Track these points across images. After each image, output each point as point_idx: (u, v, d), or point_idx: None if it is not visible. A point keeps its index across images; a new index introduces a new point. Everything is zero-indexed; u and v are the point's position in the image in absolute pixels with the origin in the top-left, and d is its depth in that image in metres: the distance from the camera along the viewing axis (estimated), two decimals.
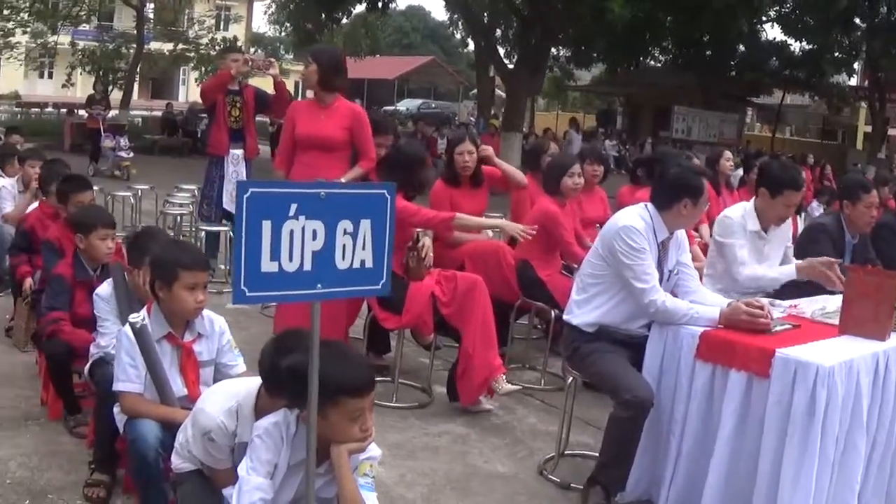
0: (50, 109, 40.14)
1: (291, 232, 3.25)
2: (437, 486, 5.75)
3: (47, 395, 6.47)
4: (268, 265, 3.22)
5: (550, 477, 6.00)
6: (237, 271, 3.19)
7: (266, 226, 3.19)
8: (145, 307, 4.89)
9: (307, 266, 3.29)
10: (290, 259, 3.26)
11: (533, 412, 7.23)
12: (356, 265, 3.43)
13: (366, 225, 3.44)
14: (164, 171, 19.99)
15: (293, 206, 3.24)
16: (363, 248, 3.44)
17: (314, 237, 3.31)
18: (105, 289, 5.60)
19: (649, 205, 5.59)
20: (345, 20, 38.04)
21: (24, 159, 9.75)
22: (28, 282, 7.66)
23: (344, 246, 3.40)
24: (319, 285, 3.35)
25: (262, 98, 10.97)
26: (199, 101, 12.52)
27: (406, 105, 53.28)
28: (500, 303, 7.37)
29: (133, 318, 4.69)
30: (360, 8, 36.86)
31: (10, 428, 6.20)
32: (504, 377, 6.88)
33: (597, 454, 5.68)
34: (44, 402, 6.57)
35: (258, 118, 11.80)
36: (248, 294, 3.20)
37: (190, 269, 4.67)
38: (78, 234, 6.19)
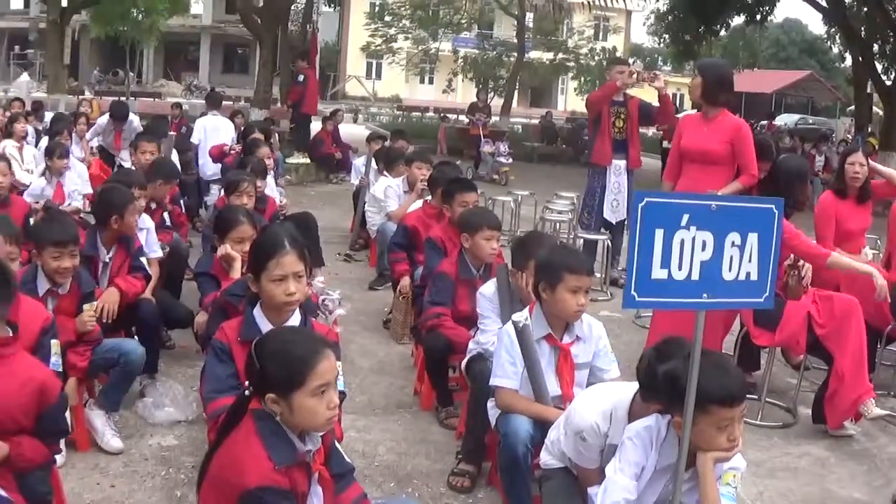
0: (431, 114, 41.91)
1: (682, 241, 3.46)
2: None
3: (421, 385, 7.01)
4: (658, 272, 3.45)
5: None
6: (629, 277, 3.44)
7: (658, 234, 3.42)
8: (527, 308, 5.19)
9: (695, 275, 3.50)
10: (679, 268, 3.47)
11: (894, 441, 7.08)
12: (741, 277, 3.59)
13: (753, 238, 3.59)
14: (542, 178, 20.52)
15: (685, 217, 3.45)
16: (749, 261, 3.60)
17: (703, 248, 3.50)
18: (489, 288, 5.96)
19: None
20: (722, 32, 37.66)
21: (412, 161, 10.45)
22: (405, 280, 8.28)
23: (731, 258, 3.57)
24: (705, 295, 3.54)
25: (646, 110, 11.17)
26: (581, 110, 12.89)
27: (784, 120, 51.90)
28: (869, 327, 7.24)
29: (517, 317, 4.98)
30: (737, 20, 36.53)
31: (382, 414, 6.77)
32: (873, 401, 6.78)
33: None
34: (416, 392, 7.11)
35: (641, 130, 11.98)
36: (637, 299, 3.45)
37: (575, 273, 4.91)
38: (464, 234, 6.64)
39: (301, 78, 21.35)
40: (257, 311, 4.60)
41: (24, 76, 33.38)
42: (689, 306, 3.58)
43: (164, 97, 39.38)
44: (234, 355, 4.52)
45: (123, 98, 27.81)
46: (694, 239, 3.48)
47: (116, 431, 5.94)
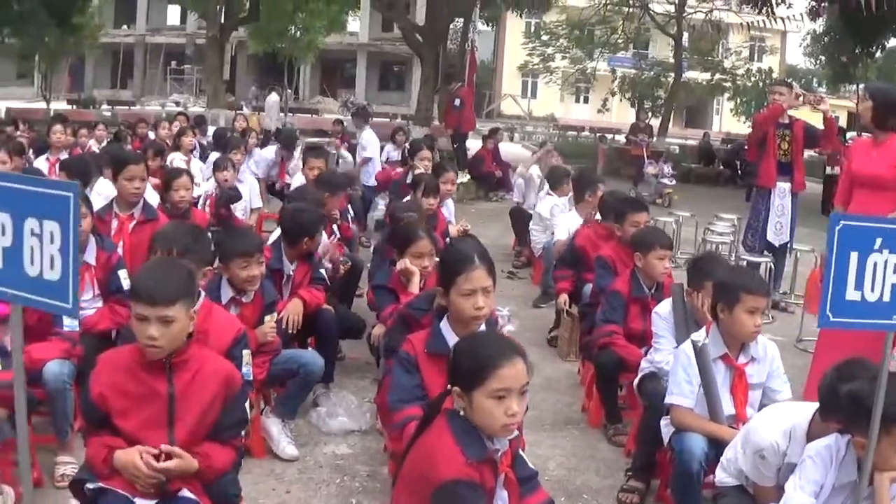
0: (586, 133, 41.91)
1: (875, 264, 3.58)
2: None
3: (589, 402, 7.17)
4: (851, 294, 3.57)
5: None
6: (824, 297, 3.57)
7: (853, 257, 3.55)
8: (703, 328, 5.31)
9: (886, 297, 3.61)
10: (872, 289, 3.59)
11: None
12: None
13: None
14: (700, 199, 20.36)
15: (878, 240, 3.57)
16: None
17: (895, 271, 3.62)
18: (664, 308, 6.09)
19: None
20: (878, 53, 36.90)
21: (593, 186, 10.46)
22: (563, 297, 8.46)
23: None
24: (895, 317, 3.66)
25: (811, 133, 11.10)
26: (736, 131, 12.83)
27: None
28: None
29: (696, 336, 5.10)
30: (893, 42, 35.75)
31: (550, 430, 6.92)
32: None
33: None
34: (584, 408, 7.26)
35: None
36: (832, 319, 3.59)
37: (753, 294, 5.02)
38: (637, 253, 6.79)
39: (458, 102, 21.69)
40: (444, 325, 4.77)
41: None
42: (879, 327, 3.68)
43: (320, 113, 40.22)
44: (421, 367, 4.70)
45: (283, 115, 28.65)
46: (886, 262, 3.59)
47: (292, 439, 6.20)
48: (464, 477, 3.46)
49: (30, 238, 2.97)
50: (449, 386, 3.71)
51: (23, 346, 3.17)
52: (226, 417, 4.19)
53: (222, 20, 32.76)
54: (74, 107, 38.77)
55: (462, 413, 3.64)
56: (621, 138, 32.61)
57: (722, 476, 4.79)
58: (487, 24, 49.52)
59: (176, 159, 12.65)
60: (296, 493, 5.65)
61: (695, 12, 36.70)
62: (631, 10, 37.49)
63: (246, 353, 5.01)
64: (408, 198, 9.55)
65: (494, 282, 4.83)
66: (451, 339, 4.67)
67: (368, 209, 13.21)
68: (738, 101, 43.31)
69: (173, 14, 63.45)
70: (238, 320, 5.37)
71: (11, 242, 3.02)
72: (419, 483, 3.57)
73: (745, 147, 25.87)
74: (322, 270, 7.19)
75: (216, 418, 4.15)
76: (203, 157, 14.08)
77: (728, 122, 53.05)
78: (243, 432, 4.38)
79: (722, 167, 29.14)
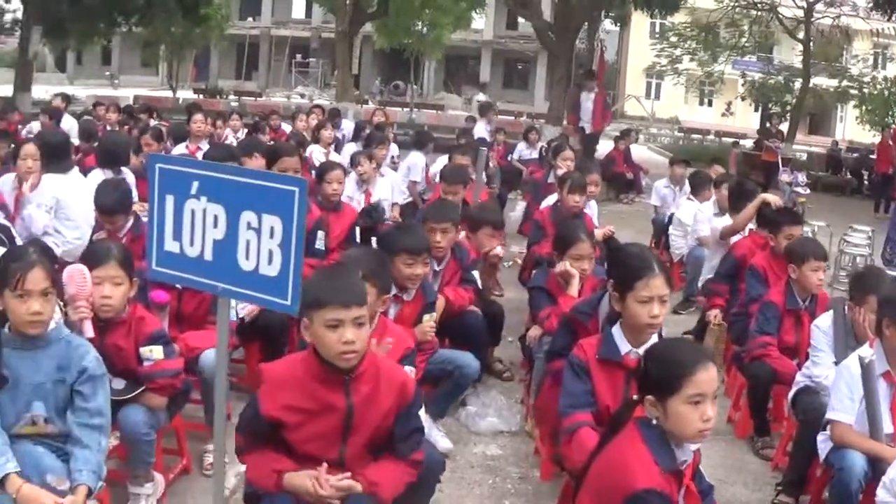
0: (711, 137, 41.41)
1: None
2: None
3: (735, 413, 7.12)
4: None
5: None
6: None
7: None
8: (866, 343, 5.23)
9: None
10: None
11: None
12: None
13: None
14: (830, 209, 20.02)
15: None
16: None
17: None
18: (825, 321, 6.00)
19: None
20: None
21: (720, 183, 10.47)
22: (714, 313, 8.28)
23: None
24: None
25: None
26: (860, 139, 12.62)
27: None
28: None
29: (863, 352, 5.02)
30: None
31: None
32: None
33: None
34: (730, 419, 7.17)
35: None
36: None
37: None
38: (791, 264, 6.71)
39: (589, 103, 21.58)
40: (616, 331, 4.78)
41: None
42: None
43: (445, 110, 40.34)
44: (592, 373, 4.72)
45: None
46: None
47: (444, 433, 6.26)
48: (658, 487, 3.49)
49: (246, 232, 3.01)
50: (635, 395, 3.76)
51: (226, 339, 3.23)
52: (400, 429, 4.10)
53: (351, 15, 33.05)
54: (201, 96, 39.35)
55: (655, 422, 3.66)
56: (746, 143, 32.11)
57: (883, 496, 4.65)
58: (616, 24, 49.22)
59: (315, 152, 12.80)
60: (448, 491, 5.69)
61: (822, 17, 36.02)
62: (759, 13, 36.94)
63: (410, 369, 4.89)
64: (554, 196, 9.61)
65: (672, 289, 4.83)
66: (624, 346, 4.71)
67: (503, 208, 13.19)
68: (864, 108, 42.38)
69: (298, 7, 64.12)
70: (410, 336, 5.35)
71: (224, 235, 3.07)
72: (609, 492, 3.58)
73: (873, 156, 25.63)
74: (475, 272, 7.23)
75: (390, 430, 4.09)
76: (337, 150, 14.26)
77: (852, 129, 51.95)
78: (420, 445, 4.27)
79: (849, 176, 28.55)
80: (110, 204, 6.87)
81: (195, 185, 3.11)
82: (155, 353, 4.92)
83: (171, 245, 3.21)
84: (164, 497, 5.27)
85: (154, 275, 3.30)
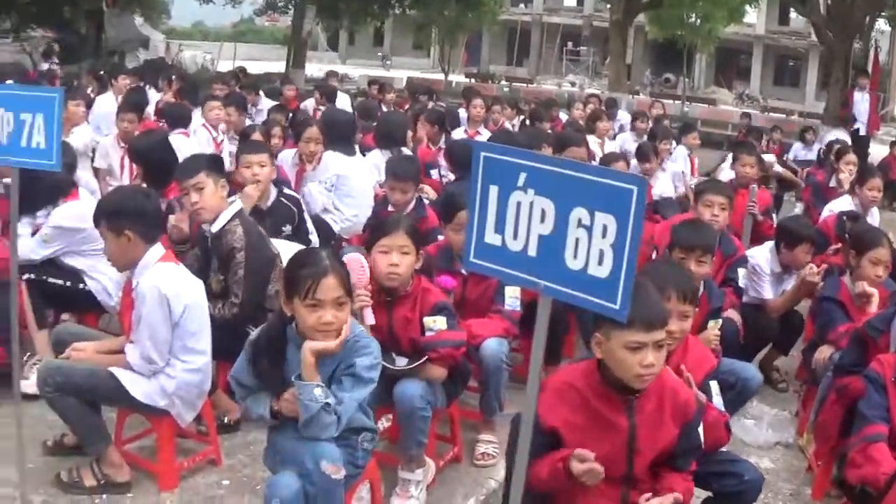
0: None
1: None
2: None
3: None
4: None
5: None
6: None
7: None
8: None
9: None
10: None
11: None
12: None
13: None
14: None
15: None
16: None
17: None
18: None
19: None
20: None
21: None
22: None
23: None
24: None
25: None
26: None
27: None
28: None
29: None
30: None
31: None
32: None
33: None
34: None
35: None
36: None
37: None
38: None
39: (865, 104, 20.69)
40: None
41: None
42: None
43: (716, 104, 39.63)
44: (889, 391, 4.62)
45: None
46: None
47: None
48: None
49: (576, 229, 2.90)
50: None
51: (542, 342, 3.10)
52: (681, 445, 3.97)
53: (625, 4, 32.90)
54: (472, 80, 39.91)
55: None
56: None
57: None
58: (889, 24, 47.32)
59: (591, 143, 12.68)
60: None
61: None
62: None
63: (714, 384, 4.63)
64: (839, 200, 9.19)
65: None
66: None
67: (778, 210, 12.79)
68: None
69: None
70: (713, 355, 5.00)
71: (552, 231, 2.97)
72: None
73: None
74: None
75: (673, 446, 3.96)
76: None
77: None
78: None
79: None
80: (405, 168, 7.21)
81: (522, 176, 3.00)
82: (438, 322, 4.99)
83: (491, 237, 3.11)
84: (434, 484, 5.31)
85: (471, 266, 3.20)
